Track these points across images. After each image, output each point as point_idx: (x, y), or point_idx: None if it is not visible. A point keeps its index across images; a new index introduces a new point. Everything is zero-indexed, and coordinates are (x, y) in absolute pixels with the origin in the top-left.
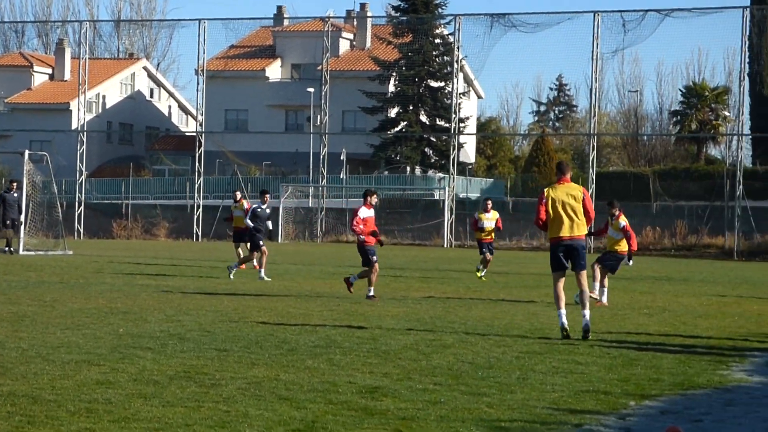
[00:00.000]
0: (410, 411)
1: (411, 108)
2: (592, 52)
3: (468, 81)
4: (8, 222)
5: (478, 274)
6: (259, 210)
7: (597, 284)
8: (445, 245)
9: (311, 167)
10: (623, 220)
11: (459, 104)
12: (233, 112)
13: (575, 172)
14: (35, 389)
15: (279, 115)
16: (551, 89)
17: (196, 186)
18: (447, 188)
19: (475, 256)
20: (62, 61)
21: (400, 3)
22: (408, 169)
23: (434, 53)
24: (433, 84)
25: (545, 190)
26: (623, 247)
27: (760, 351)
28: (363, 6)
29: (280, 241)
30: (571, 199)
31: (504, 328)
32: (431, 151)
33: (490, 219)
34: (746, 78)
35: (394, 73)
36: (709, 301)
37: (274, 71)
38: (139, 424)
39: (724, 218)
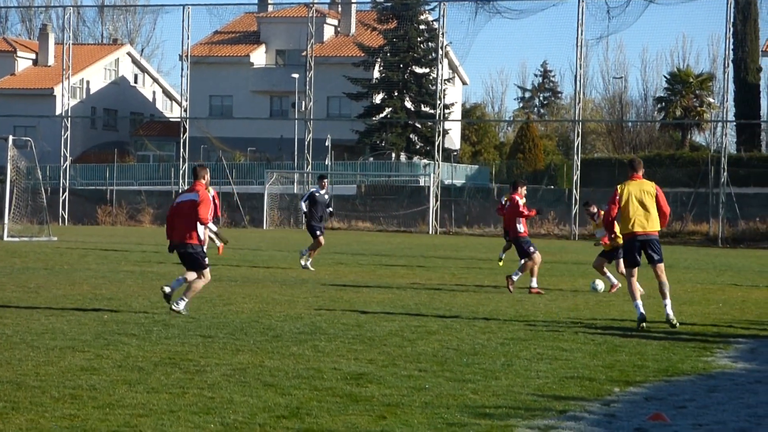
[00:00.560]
0: (395, 397)
1: (396, 94)
2: (577, 38)
3: (453, 67)
4: None
5: (500, 264)
6: (317, 195)
7: (609, 275)
8: (431, 232)
9: (296, 153)
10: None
11: (444, 90)
12: (218, 98)
13: (559, 159)
14: (19, 375)
15: (264, 101)
16: (536, 76)
17: (181, 172)
18: (432, 174)
19: (460, 244)
20: (46, 47)
21: None
22: (393, 155)
23: (419, 39)
24: (418, 70)
25: (618, 186)
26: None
27: (744, 337)
28: None
29: (265, 227)
30: (645, 195)
31: (489, 315)
32: (416, 138)
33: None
34: (730, 64)
35: (379, 59)
36: (694, 287)
37: (259, 57)
38: (123, 411)
39: (709, 205)
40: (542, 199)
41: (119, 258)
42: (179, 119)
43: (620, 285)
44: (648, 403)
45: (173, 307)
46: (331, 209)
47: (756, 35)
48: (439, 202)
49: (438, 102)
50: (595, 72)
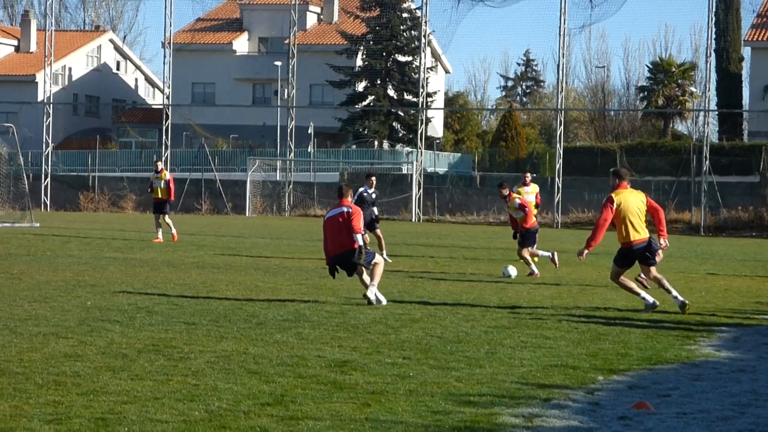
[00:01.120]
0: (379, 385)
1: (379, 82)
2: (560, 27)
3: (436, 56)
4: None
5: (536, 259)
6: (365, 194)
7: (541, 254)
8: (413, 219)
9: (279, 141)
10: (518, 199)
11: (426, 79)
12: (200, 85)
13: (542, 147)
14: (2, 362)
15: (246, 88)
16: (519, 64)
17: (163, 159)
18: (415, 162)
19: (443, 231)
20: (28, 33)
21: None
22: (376, 143)
23: (402, 27)
24: (401, 58)
25: (613, 196)
26: (529, 222)
27: (727, 326)
28: None
29: (247, 214)
30: (638, 203)
31: (472, 302)
32: (399, 126)
33: (529, 193)
34: (713, 54)
35: (362, 48)
36: (676, 276)
37: (242, 44)
38: (107, 397)
39: (691, 193)
40: None
41: (102, 244)
42: (161, 106)
43: (539, 274)
44: (632, 391)
45: (371, 299)
46: (376, 213)
47: (738, 25)
48: (421, 190)
49: (421, 90)
50: (577, 61)
